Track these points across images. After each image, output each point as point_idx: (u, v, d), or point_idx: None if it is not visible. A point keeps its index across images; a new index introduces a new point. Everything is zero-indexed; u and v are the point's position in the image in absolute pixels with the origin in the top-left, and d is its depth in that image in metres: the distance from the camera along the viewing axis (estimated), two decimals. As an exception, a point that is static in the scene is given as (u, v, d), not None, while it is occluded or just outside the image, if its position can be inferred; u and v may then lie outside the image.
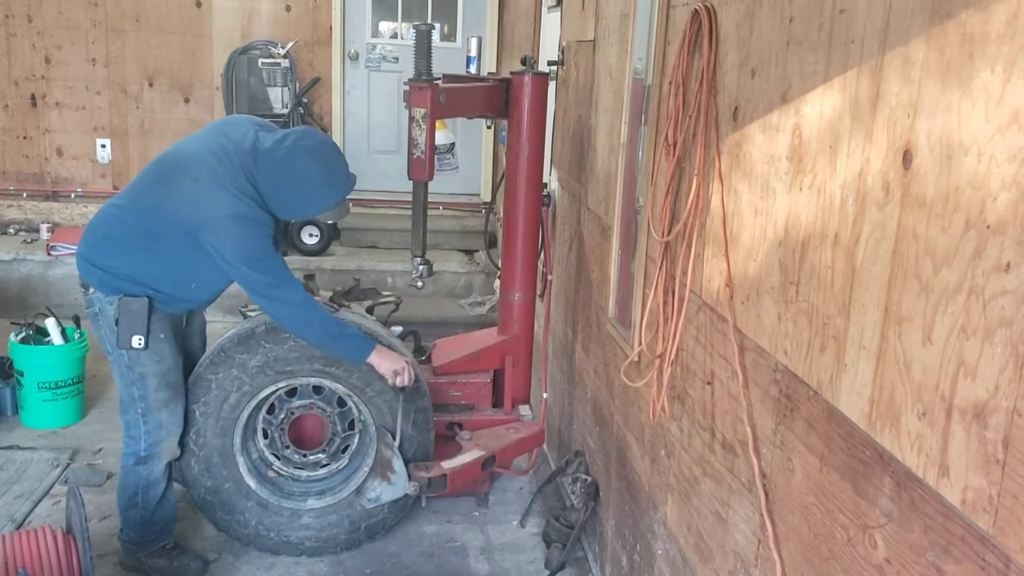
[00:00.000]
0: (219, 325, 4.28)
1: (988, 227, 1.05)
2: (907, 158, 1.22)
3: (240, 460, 3.14)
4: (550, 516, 3.31)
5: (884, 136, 1.28)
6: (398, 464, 3.05)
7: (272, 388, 3.09)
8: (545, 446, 3.99)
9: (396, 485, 3.06)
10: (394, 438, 3.08)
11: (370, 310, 3.59)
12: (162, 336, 2.89)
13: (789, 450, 1.59)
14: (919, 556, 1.20)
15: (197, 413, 3.05)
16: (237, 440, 3.11)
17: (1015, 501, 1.02)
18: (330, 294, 3.43)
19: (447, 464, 3.15)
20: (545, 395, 3.78)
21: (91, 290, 2.88)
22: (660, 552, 2.39)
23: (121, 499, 3.02)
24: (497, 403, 3.63)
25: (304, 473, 3.27)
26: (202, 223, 2.75)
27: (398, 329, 3.56)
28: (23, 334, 4.13)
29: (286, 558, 3.22)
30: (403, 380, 3.02)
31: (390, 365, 2.99)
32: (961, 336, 1.11)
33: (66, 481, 3.62)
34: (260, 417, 3.18)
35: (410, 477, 3.06)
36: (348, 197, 3.01)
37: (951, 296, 1.13)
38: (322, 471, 3.28)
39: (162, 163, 2.92)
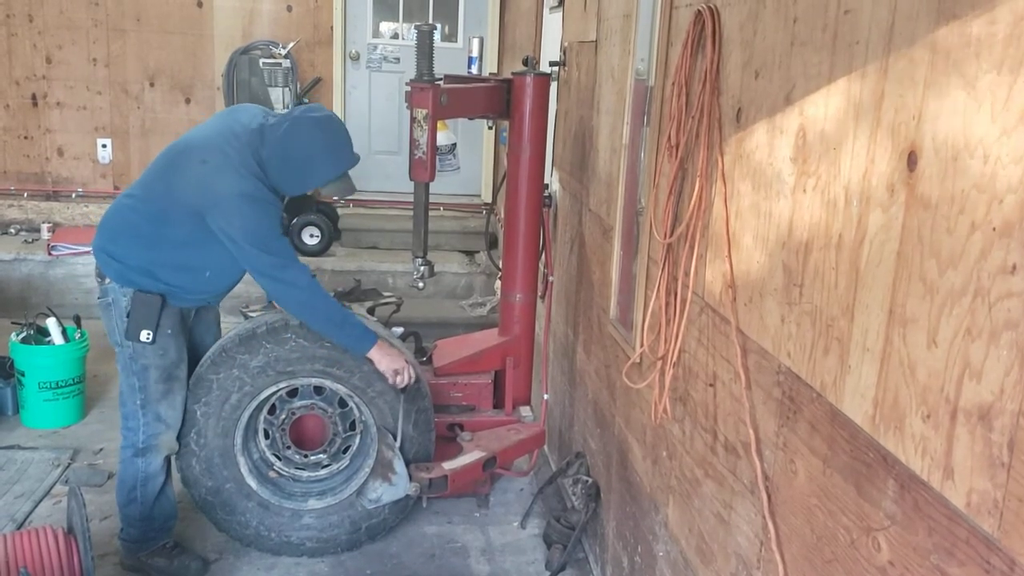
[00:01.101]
0: (220, 325, 4.27)
1: (994, 229, 1.05)
2: (912, 160, 1.22)
3: (241, 460, 3.13)
4: (551, 517, 3.31)
5: (889, 138, 1.28)
6: (399, 465, 3.05)
7: (273, 388, 3.09)
8: (546, 447, 3.98)
9: (397, 486, 3.06)
10: (395, 439, 3.07)
11: (371, 311, 3.59)
12: (169, 332, 2.90)
13: (792, 452, 1.59)
14: (923, 559, 1.20)
15: (198, 413, 3.05)
16: (238, 440, 3.11)
17: (1020, 504, 1.01)
18: (331, 295, 3.42)
19: (448, 465, 3.15)
20: (546, 396, 3.77)
21: (107, 280, 2.88)
22: (661, 554, 2.38)
23: (120, 494, 3.02)
24: (498, 404, 3.62)
25: (305, 474, 3.27)
26: (210, 204, 2.76)
27: (399, 330, 3.56)
28: (24, 334, 4.13)
29: (287, 558, 3.22)
30: (403, 379, 3.02)
31: (390, 363, 2.99)
32: (966, 338, 1.10)
33: (67, 481, 3.62)
34: (261, 417, 3.18)
35: (411, 478, 3.06)
36: (351, 198, 3.01)
37: (956, 298, 1.12)
38: (323, 472, 3.27)
39: (172, 151, 2.95)
